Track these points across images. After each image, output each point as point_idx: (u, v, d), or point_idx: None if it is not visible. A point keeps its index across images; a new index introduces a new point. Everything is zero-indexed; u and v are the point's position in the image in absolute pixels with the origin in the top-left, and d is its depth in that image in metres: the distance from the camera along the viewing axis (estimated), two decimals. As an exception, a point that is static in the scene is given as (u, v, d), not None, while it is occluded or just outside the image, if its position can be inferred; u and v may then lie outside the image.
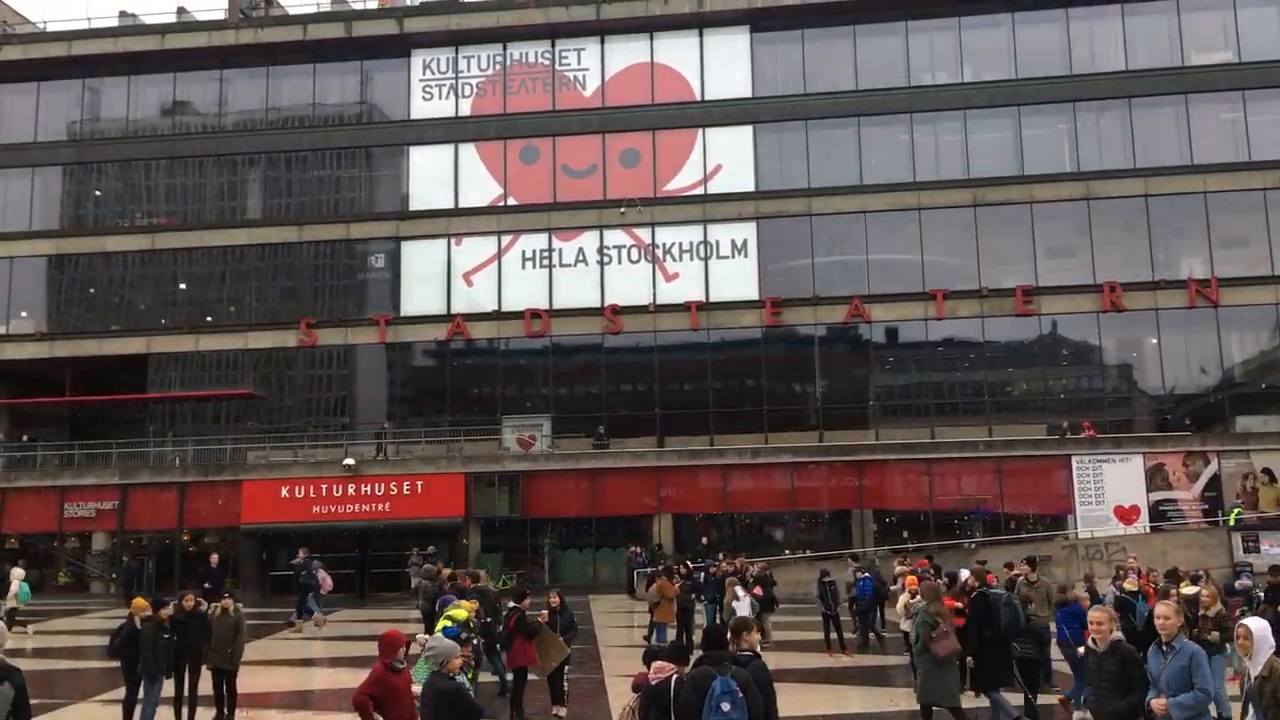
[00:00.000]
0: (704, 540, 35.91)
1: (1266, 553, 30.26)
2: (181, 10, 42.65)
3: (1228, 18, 37.09)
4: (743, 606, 18.66)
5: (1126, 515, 33.59)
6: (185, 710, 13.81)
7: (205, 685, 14.21)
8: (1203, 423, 35.78)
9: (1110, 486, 33.83)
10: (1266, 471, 33.57)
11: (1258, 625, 7.64)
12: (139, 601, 13.87)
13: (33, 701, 15.59)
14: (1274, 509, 33.08)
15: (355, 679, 18.53)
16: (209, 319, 40.16)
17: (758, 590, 20.38)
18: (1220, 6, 37.13)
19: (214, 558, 28.67)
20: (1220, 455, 34.00)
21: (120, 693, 13.63)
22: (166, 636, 13.24)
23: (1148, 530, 33.03)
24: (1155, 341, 36.68)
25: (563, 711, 14.08)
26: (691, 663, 8.06)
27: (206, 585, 22.57)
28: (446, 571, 22.22)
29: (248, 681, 14.45)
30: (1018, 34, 37.99)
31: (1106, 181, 36.53)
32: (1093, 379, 37.80)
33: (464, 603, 14.62)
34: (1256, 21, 37.01)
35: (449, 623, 12.54)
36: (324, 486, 35.86)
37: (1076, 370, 38.06)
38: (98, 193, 42.10)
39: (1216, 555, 30.06)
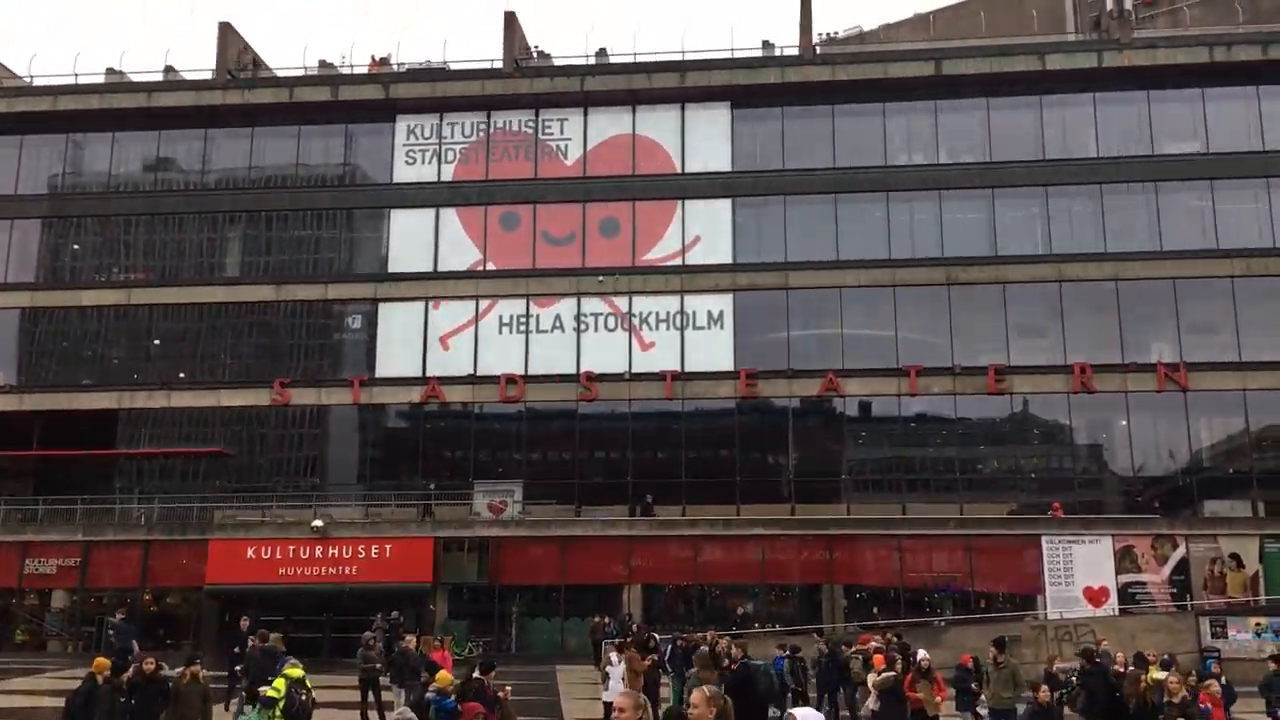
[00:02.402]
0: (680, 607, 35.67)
1: (1234, 639, 30.37)
2: (169, 69, 42.92)
3: (1196, 109, 38.02)
4: (615, 675, 18.70)
5: (1096, 597, 33.62)
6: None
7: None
8: (1171, 506, 36.01)
9: (1080, 567, 33.89)
10: (1234, 557, 33.75)
11: None
12: (101, 661, 13.63)
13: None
14: (1241, 594, 33.21)
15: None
16: (182, 375, 39.92)
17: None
18: (1190, 99, 38.07)
19: (244, 621, 24.28)
20: (1188, 539, 34.17)
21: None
22: (123, 700, 12.99)
23: (1117, 613, 33.05)
24: (1125, 423, 36.99)
25: None
26: None
27: (236, 650, 21.67)
28: (410, 639, 21.98)
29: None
30: (992, 118, 38.78)
31: (1077, 264, 37.10)
32: (1063, 459, 38.04)
33: (298, 664, 14.52)
34: (1224, 113, 37.95)
35: (276, 690, 12.76)
36: (291, 548, 35.47)
37: (1047, 450, 38.32)
38: (75, 246, 42.01)
39: (1185, 640, 30.10)
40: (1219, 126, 37.81)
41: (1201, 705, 14.21)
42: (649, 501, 36.67)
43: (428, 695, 13.30)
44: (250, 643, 20.47)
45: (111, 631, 25.86)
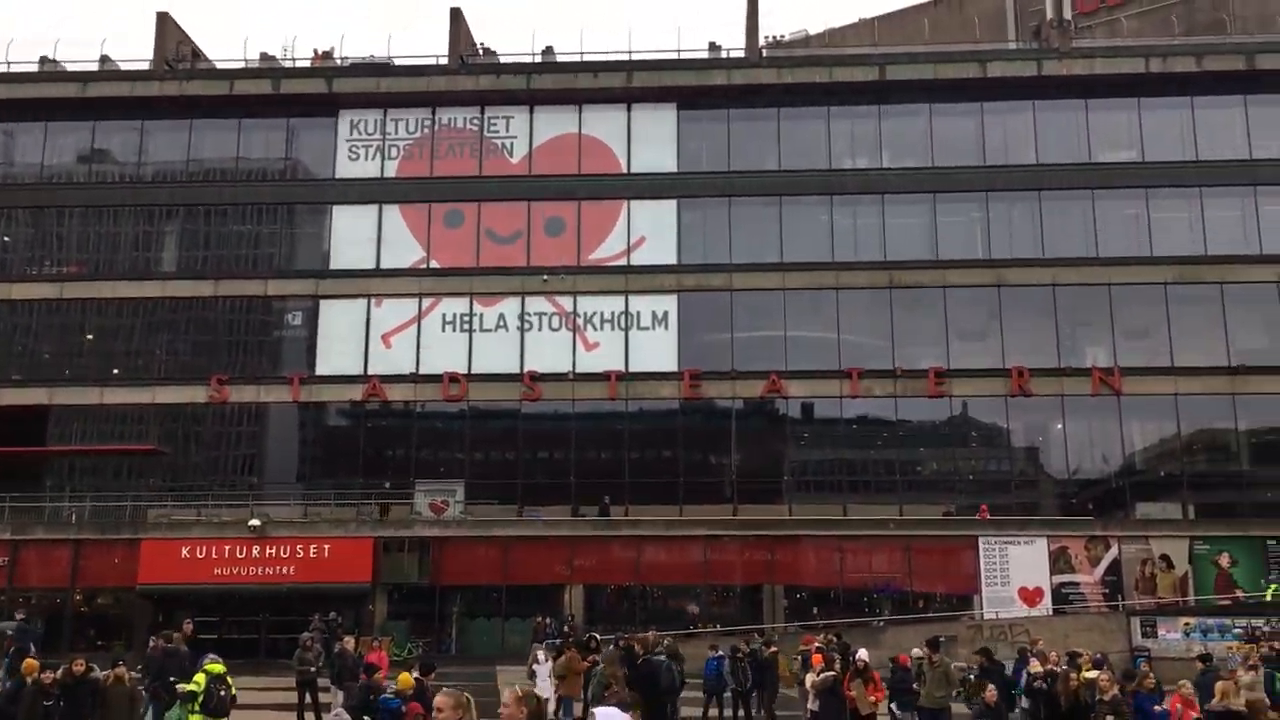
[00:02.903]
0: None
1: (1163, 638, 31.01)
2: (104, 59, 42.04)
3: (1133, 118, 38.74)
4: (542, 673, 18.91)
5: (1030, 597, 34.14)
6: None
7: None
8: (1104, 508, 36.67)
9: (1015, 568, 34.39)
10: (1164, 558, 34.45)
11: None
12: (30, 663, 13.33)
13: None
14: (1171, 595, 33.91)
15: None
16: (115, 371, 39.12)
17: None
18: (1127, 108, 38.79)
19: (188, 626, 22.90)
20: (1121, 540, 34.82)
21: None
22: (49, 703, 12.67)
23: (1051, 613, 33.58)
24: (1060, 427, 37.60)
25: None
26: None
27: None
28: (349, 639, 21.73)
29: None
30: (935, 124, 39.21)
31: (1016, 269, 37.63)
32: (1000, 461, 38.57)
33: (218, 660, 14.46)
34: (1159, 123, 38.70)
35: (197, 684, 12.87)
36: (227, 548, 34.93)
37: (985, 452, 38.82)
38: (6, 239, 41.01)
39: (1116, 640, 30.67)
40: (1154, 135, 38.56)
41: (1173, 707, 14.17)
42: (606, 502, 36.51)
43: (386, 693, 13.36)
44: (152, 642, 20.13)
45: (11, 632, 25.05)
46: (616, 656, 14.95)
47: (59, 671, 13.54)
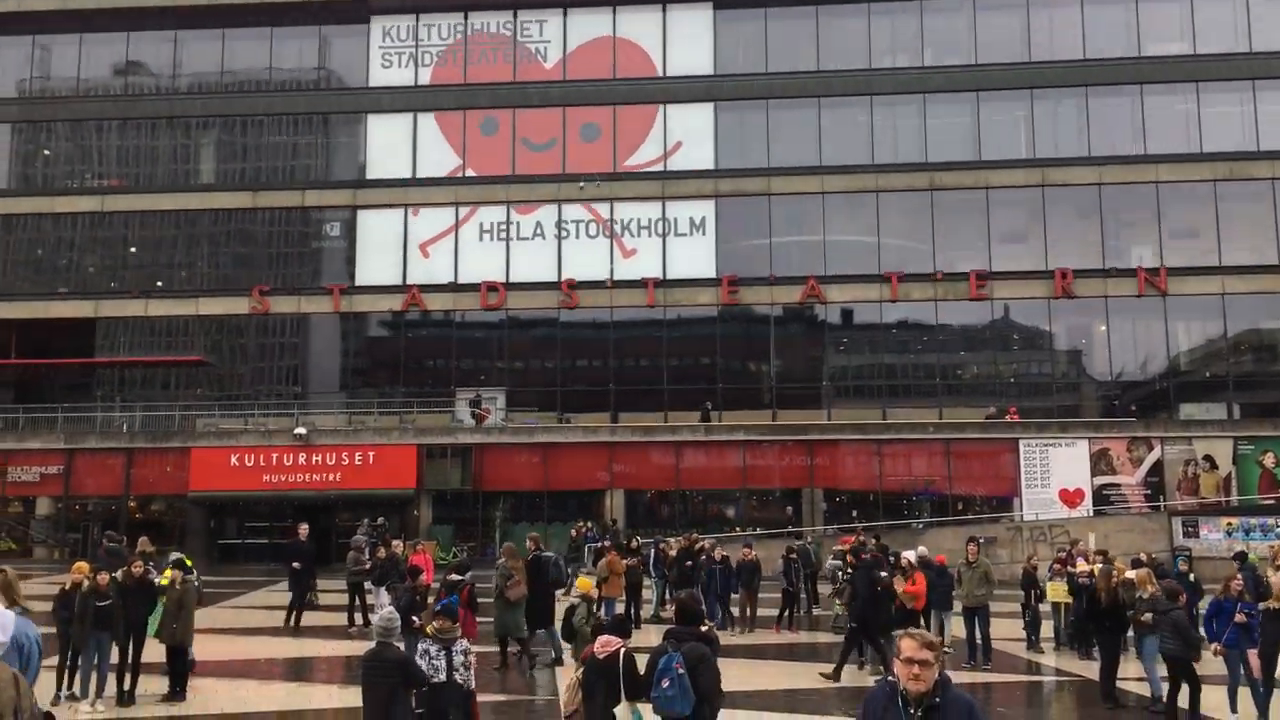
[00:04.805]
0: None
1: (1205, 538, 30.99)
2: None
3: (1184, 9, 37.50)
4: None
5: (1071, 499, 34.16)
6: (128, 678, 13.65)
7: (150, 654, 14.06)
8: (1147, 410, 36.43)
9: (1056, 470, 34.38)
10: (1207, 458, 34.26)
11: None
12: (81, 565, 13.75)
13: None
14: (1214, 495, 33.81)
15: (299, 647, 18.54)
16: (159, 284, 39.61)
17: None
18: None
19: (303, 529, 22.53)
20: (1163, 442, 34.63)
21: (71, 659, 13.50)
22: (105, 604, 13.07)
23: (1091, 514, 33.62)
24: (1104, 329, 37.21)
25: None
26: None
27: (296, 565, 21.06)
28: (396, 544, 22.20)
29: (193, 650, 14.32)
30: (978, 20, 38.17)
31: (1061, 169, 36.91)
32: (1042, 364, 38.31)
33: (183, 556, 15.54)
34: (1211, 13, 37.44)
35: (165, 579, 13.95)
36: (274, 455, 35.59)
37: (1026, 355, 38.55)
38: (47, 152, 41.28)
39: (1157, 540, 30.68)
40: (1206, 26, 37.36)
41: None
42: (708, 408, 36.39)
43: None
44: (102, 544, 21.70)
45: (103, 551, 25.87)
46: (513, 550, 16.82)
47: (119, 574, 13.92)
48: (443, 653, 8.69)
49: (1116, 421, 35.54)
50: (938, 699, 5.11)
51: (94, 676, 13.21)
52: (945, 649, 18.25)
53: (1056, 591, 18.35)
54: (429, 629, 9.11)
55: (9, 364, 40.02)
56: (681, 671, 7.56)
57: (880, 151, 37.79)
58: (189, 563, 15.51)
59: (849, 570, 18.08)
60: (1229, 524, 31.56)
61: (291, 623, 20.73)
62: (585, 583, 13.54)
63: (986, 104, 37.91)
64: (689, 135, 38.38)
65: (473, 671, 8.91)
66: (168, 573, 14.25)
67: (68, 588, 13.21)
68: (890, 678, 5.28)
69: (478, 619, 15.39)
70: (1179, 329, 37.10)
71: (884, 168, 37.36)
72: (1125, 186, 36.57)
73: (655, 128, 38.55)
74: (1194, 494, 33.85)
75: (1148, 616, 13.64)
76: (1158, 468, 34.37)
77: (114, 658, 13.43)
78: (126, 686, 13.59)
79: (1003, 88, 37.75)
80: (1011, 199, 37.23)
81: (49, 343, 39.35)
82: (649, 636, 16.74)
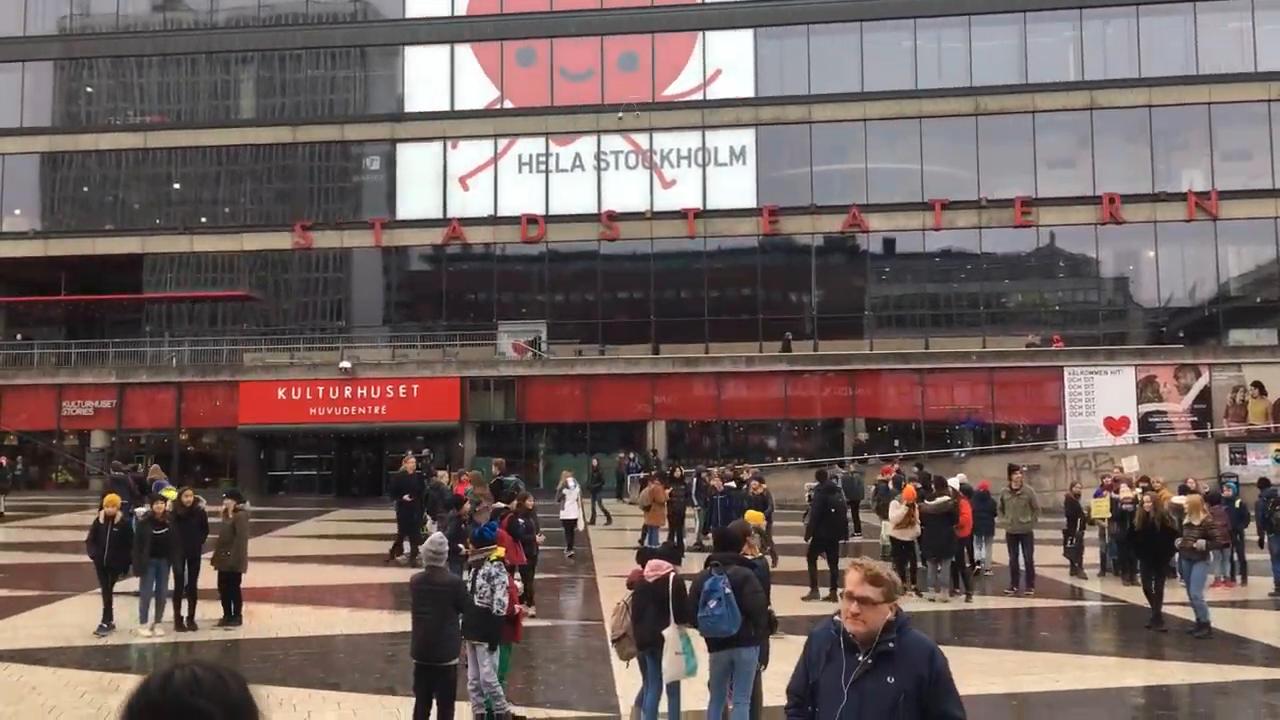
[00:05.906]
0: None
1: (1253, 464, 30.71)
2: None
3: (1241, -77, 36.31)
4: (570, 496, 20.79)
5: (1116, 426, 33.91)
6: (185, 604, 14.02)
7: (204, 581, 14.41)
8: (1195, 336, 35.95)
9: (1101, 398, 34.09)
10: (1257, 385, 33.82)
11: None
12: (112, 497, 14.11)
13: (34, 594, 15.89)
14: (1263, 422, 33.42)
15: (350, 574, 18.93)
16: (204, 220, 39.97)
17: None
18: (1234, -89, 36.31)
19: (410, 462, 21.49)
20: (1211, 368, 34.21)
21: (131, 584, 13.84)
22: (161, 531, 13.41)
23: (1136, 441, 33.37)
24: (1152, 254, 36.62)
25: (531, 610, 14.19)
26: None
27: (406, 498, 20.22)
28: (442, 473, 22.48)
29: (246, 578, 14.66)
30: (1026, -63, 37.15)
31: (1110, 91, 36.09)
32: (1088, 291, 37.83)
33: (172, 487, 16.02)
34: (1270, -72, 36.21)
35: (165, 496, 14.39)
36: (320, 389, 36.05)
37: (1072, 282, 38.09)
38: (89, 89, 41.54)
39: (1203, 467, 30.42)
40: (1264, -58, 36.15)
41: None
42: (788, 337, 36.22)
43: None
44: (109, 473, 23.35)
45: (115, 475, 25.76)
46: (479, 478, 18.09)
47: (170, 503, 14.24)
48: (485, 577, 8.85)
49: (1164, 348, 35.12)
50: (891, 644, 4.14)
51: (152, 602, 13.58)
52: (986, 573, 18.37)
53: (1100, 508, 18.25)
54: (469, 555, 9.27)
55: (60, 300, 40.70)
56: (728, 591, 7.67)
57: (924, 76, 37.11)
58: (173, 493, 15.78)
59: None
60: (1278, 450, 31.23)
61: (398, 557, 20.40)
62: (756, 515, 13.17)
63: (1034, 25, 37.06)
64: (728, 63, 37.86)
65: (501, 594, 8.89)
66: (169, 492, 14.90)
67: (102, 521, 13.53)
68: (835, 616, 4.36)
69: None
70: (1229, 253, 36.44)
71: (927, 93, 36.72)
72: (1176, 108, 35.74)
73: (694, 56, 38.07)
74: (1242, 421, 33.48)
75: (1201, 543, 13.61)
76: (1205, 395, 33.99)
77: (170, 584, 13.80)
78: (184, 612, 13.96)
79: (1051, 8, 36.89)
80: (1058, 123, 36.53)
81: (98, 279, 39.92)
82: (691, 564, 16.92)
